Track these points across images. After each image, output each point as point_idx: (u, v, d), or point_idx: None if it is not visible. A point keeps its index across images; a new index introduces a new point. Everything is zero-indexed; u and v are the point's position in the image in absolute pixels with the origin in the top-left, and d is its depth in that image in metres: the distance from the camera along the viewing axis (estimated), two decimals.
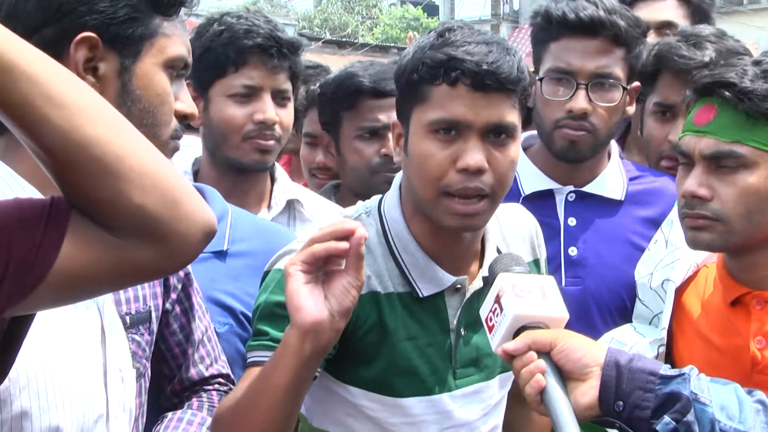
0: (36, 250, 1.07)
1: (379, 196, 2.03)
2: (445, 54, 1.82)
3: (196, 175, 2.60)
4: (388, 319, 1.91)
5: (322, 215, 2.65)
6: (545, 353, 1.64)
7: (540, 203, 2.40)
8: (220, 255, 2.28)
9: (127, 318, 1.86)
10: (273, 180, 2.65)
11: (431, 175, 1.84)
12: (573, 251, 2.50)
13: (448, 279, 1.93)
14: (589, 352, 1.64)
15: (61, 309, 1.40)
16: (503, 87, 1.82)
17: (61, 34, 1.42)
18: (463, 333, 1.97)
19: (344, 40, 25.28)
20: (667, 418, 1.58)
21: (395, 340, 1.91)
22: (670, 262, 2.27)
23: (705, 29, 2.77)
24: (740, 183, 1.92)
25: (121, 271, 1.13)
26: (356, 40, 25.56)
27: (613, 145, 2.61)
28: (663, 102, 2.68)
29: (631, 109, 2.55)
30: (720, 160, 1.93)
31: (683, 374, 1.61)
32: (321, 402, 2.00)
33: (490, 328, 1.70)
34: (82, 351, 1.46)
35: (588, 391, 1.62)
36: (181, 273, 2.01)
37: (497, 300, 1.69)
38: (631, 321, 2.41)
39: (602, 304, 2.46)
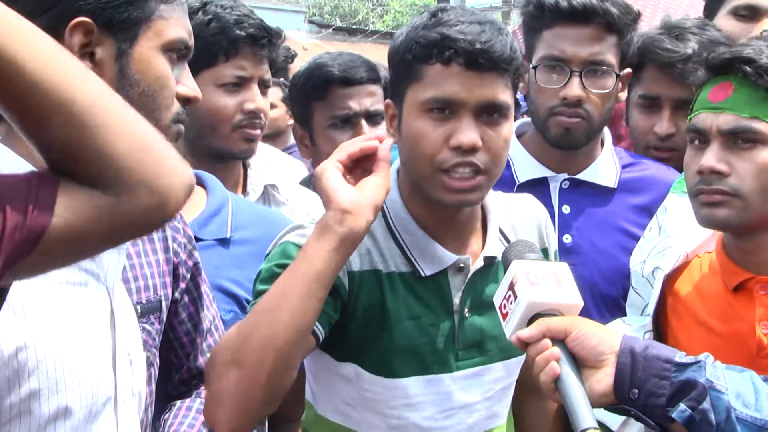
0: (29, 213, 1.07)
1: None
2: (439, 33, 1.84)
3: None
4: (389, 298, 1.91)
5: (298, 199, 2.68)
6: (560, 340, 1.64)
7: (534, 191, 2.37)
8: (224, 242, 2.27)
9: (138, 307, 1.85)
10: (245, 167, 2.66)
11: (425, 152, 1.85)
12: (567, 239, 2.51)
13: (450, 257, 1.94)
14: (604, 340, 1.64)
15: (71, 291, 1.42)
16: (496, 66, 1.83)
17: (56, 19, 1.40)
18: (467, 314, 1.96)
19: (355, 27, 25.26)
20: (682, 406, 1.58)
21: (395, 320, 1.91)
22: (661, 250, 2.28)
23: (687, 21, 2.79)
24: (758, 159, 1.92)
25: (113, 226, 1.13)
26: (367, 27, 25.53)
27: (606, 133, 2.62)
28: (647, 94, 2.70)
29: (623, 95, 2.57)
30: (738, 136, 1.93)
31: (699, 362, 1.61)
32: (324, 387, 1.99)
33: (504, 316, 1.70)
34: (92, 334, 1.46)
35: (603, 379, 1.62)
36: (190, 263, 2.01)
37: (511, 287, 1.68)
38: (624, 308, 2.43)
39: (596, 292, 2.46)
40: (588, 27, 2.43)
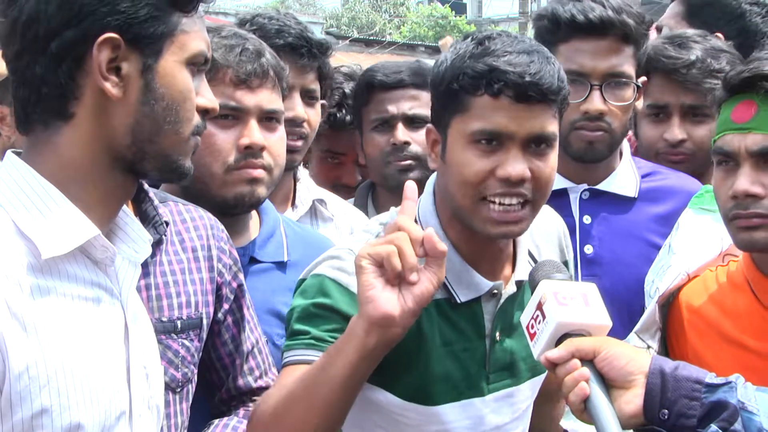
0: None
1: None
2: (487, 65, 1.81)
3: None
4: (425, 325, 1.89)
5: (344, 216, 2.68)
6: (588, 361, 1.63)
7: (554, 202, 2.34)
8: (281, 266, 2.28)
9: (179, 322, 1.88)
10: (295, 180, 2.68)
11: (471, 182, 1.83)
12: (589, 249, 2.50)
13: (486, 284, 1.92)
14: (634, 360, 1.63)
15: (83, 306, 1.43)
16: (545, 98, 1.81)
17: (83, 35, 1.42)
18: (497, 338, 1.96)
19: (372, 38, 25.29)
20: (713, 427, 1.58)
21: (431, 347, 1.90)
22: (667, 268, 2.25)
23: (688, 31, 2.81)
24: None
25: None
26: (384, 39, 25.57)
27: (624, 143, 2.61)
28: (655, 104, 2.71)
29: (640, 104, 2.56)
30: None
31: (730, 382, 1.60)
32: (353, 411, 1.99)
33: (532, 336, 1.69)
34: (104, 347, 1.46)
35: (632, 399, 1.61)
36: (234, 284, 2.03)
37: (539, 307, 1.67)
38: None
39: (619, 302, 2.42)
40: (605, 39, 2.44)
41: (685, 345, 2.11)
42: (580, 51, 2.44)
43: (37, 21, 1.43)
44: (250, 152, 2.16)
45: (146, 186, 1.88)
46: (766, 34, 3.14)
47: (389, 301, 1.62)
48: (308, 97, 2.55)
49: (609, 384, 1.62)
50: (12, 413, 1.34)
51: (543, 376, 2.03)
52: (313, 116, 2.56)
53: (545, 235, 2.07)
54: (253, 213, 2.29)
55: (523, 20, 24.76)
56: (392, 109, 2.77)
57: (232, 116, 2.17)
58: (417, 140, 2.70)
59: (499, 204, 1.82)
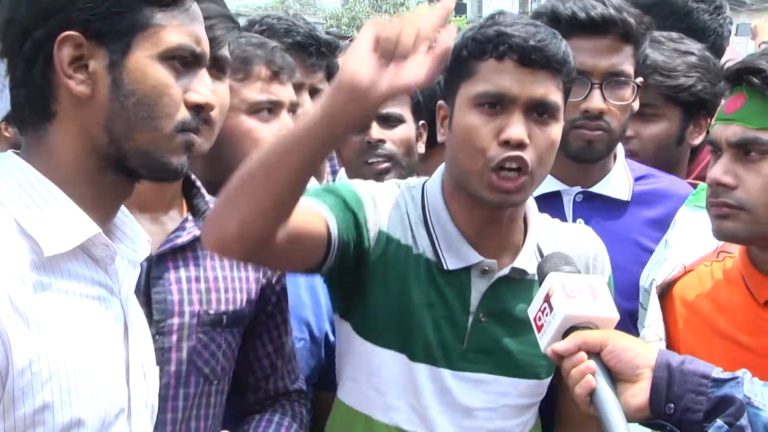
0: None
1: (425, 177, 2.08)
2: (495, 30, 1.89)
3: None
4: (412, 277, 1.93)
5: None
6: (595, 354, 1.63)
7: (547, 204, 2.35)
8: None
9: (225, 317, 1.92)
10: None
11: (476, 147, 1.88)
12: None
13: (475, 257, 1.95)
14: (640, 354, 1.63)
15: (85, 304, 1.43)
16: (549, 64, 1.88)
17: (49, 34, 1.42)
18: (482, 318, 1.96)
19: None
20: (719, 422, 1.58)
21: (414, 304, 1.93)
22: (661, 261, 2.26)
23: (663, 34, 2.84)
24: (766, 171, 1.90)
25: None
26: None
27: (619, 146, 2.60)
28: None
29: (636, 105, 2.54)
30: (746, 148, 1.92)
31: (736, 377, 1.61)
32: (342, 362, 2.03)
33: (539, 328, 1.69)
34: (105, 345, 1.46)
35: (638, 393, 1.61)
36: (277, 287, 2.06)
37: (547, 299, 1.67)
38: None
39: None
40: (606, 38, 2.43)
41: (677, 338, 2.12)
42: (581, 49, 2.40)
43: (12, 22, 1.44)
44: None
45: (198, 182, 1.97)
46: (715, 31, 3.18)
47: (365, 69, 1.54)
48: (317, 96, 2.57)
49: (615, 377, 1.62)
50: (15, 408, 1.33)
51: (531, 383, 2.03)
52: None
53: (572, 249, 2.04)
54: None
55: None
56: None
57: (268, 110, 2.23)
58: (391, 138, 2.70)
59: (498, 172, 1.86)
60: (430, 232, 1.96)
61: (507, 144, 1.86)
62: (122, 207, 1.56)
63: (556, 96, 1.90)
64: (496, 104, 1.88)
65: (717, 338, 2.04)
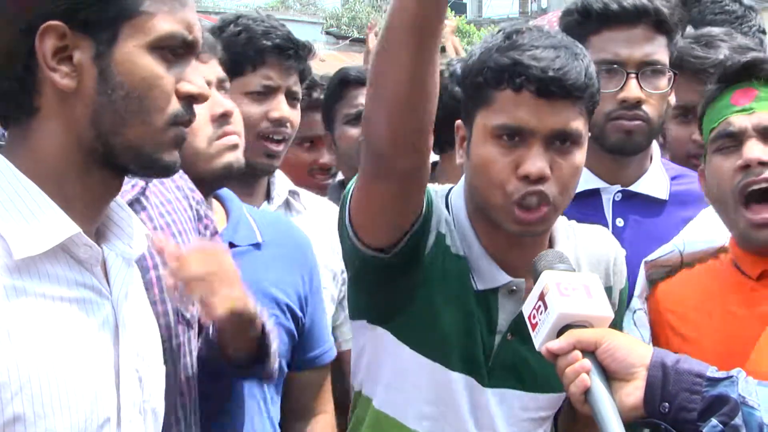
0: None
1: (449, 186, 2.04)
2: (511, 59, 1.81)
3: None
4: (455, 287, 1.91)
5: (315, 208, 2.74)
6: (590, 352, 1.62)
7: (586, 203, 2.35)
8: (257, 246, 2.29)
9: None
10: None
11: (494, 181, 1.84)
12: None
13: (503, 278, 1.92)
14: (635, 352, 1.63)
15: (65, 308, 1.37)
16: (569, 94, 1.80)
17: (31, 25, 1.36)
18: (509, 338, 1.95)
19: None
20: (714, 421, 1.57)
21: (452, 313, 1.92)
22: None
23: (714, 29, 2.79)
24: None
25: None
26: None
27: (654, 145, 2.57)
28: (683, 104, 2.67)
29: (673, 98, 2.52)
30: None
31: (731, 377, 1.60)
32: (373, 364, 2.01)
33: (533, 326, 1.68)
34: (88, 351, 1.39)
35: (633, 392, 1.61)
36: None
37: (541, 297, 1.66)
38: None
39: None
40: (638, 28, 2.40)
41: (661, 336, 2.12)
42: (614, 40, 2.40)
43: (2, 13, 1.39)
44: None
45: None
46: None
47: None
48: (291, 98, 2.59)
49: (610, 376, 1.61)
50: None
51: (551, 396, 2.00)
52: (295, 117, 2.61)
53: (591, 255, 2.04)
54: (214, 202, 2.32)
55: (523, 20, 24.79)
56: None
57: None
58: None
59: (519, 206, 1.83)
60: (459, 255, 1.93)
61: (527, 178, 1.81)
62: (122, 202, 1.52)
63: (577, 123, 1.84)
64: (514, 136, 1.82)
65: (707, 319, 2.05)
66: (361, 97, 2.84)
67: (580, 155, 1.87)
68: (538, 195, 1.82)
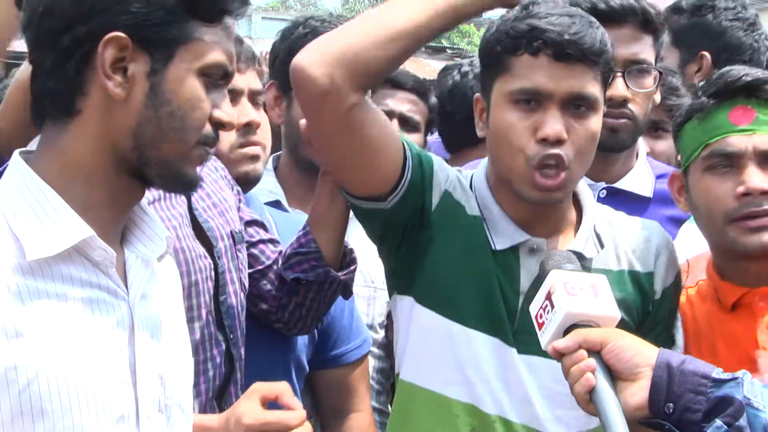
0: None
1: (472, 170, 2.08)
2: (528, 24, 1.87)
3: (276, 171, 2.70)
4: (472, 243, 1.94)
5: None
6: (595, 352, 1.63)
7: None
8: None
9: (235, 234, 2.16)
10: None
11: (514, 145, 1.88)
12: None
13: (522, 235, 1.94)
14: (640, 353, 1.63)
15: (79, 308, 1.40)
16: (585, 57, 1.85)
17: (92, 32, 1.41)
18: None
19: None
20: (718, 422, 1.57)
21: (472, 270, 1.93)
22: None
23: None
24: None
25: None
26: None
27: (641, 142, 2.60)
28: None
29: (658, 97, 2.55)
30: None
31: (736, 378, 1.60)
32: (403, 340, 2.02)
33: (540, 325, 1.69)
34: (101, 350, 1.42)
35: (638, 392, 1.61)
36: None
37: (548, 297, 1.67)
38: None
39: None
40: (624, 27, 2.43)
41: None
42: None
43: (51, 14, 1.43)
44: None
45: None
46: (751, 46, 3.17)
47: None
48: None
49: (615, 376, 1.62)
50: None
51: None
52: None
53: (635, 238, 2.03)
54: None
55: None
56: (392, 105, 3.02)
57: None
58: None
59: (540, 172, 1.86)
60: (480, 220, 1.96)
61: (545, 141, 1.85)
62: (144, 206, 1.56)
63: (593, 88, 1.88)
64: (531, 100, 1.87)
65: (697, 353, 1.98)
66: (389, 99, 3.02)
67: (596, 121, 1.90)
68: (556, 158, 1.86)
